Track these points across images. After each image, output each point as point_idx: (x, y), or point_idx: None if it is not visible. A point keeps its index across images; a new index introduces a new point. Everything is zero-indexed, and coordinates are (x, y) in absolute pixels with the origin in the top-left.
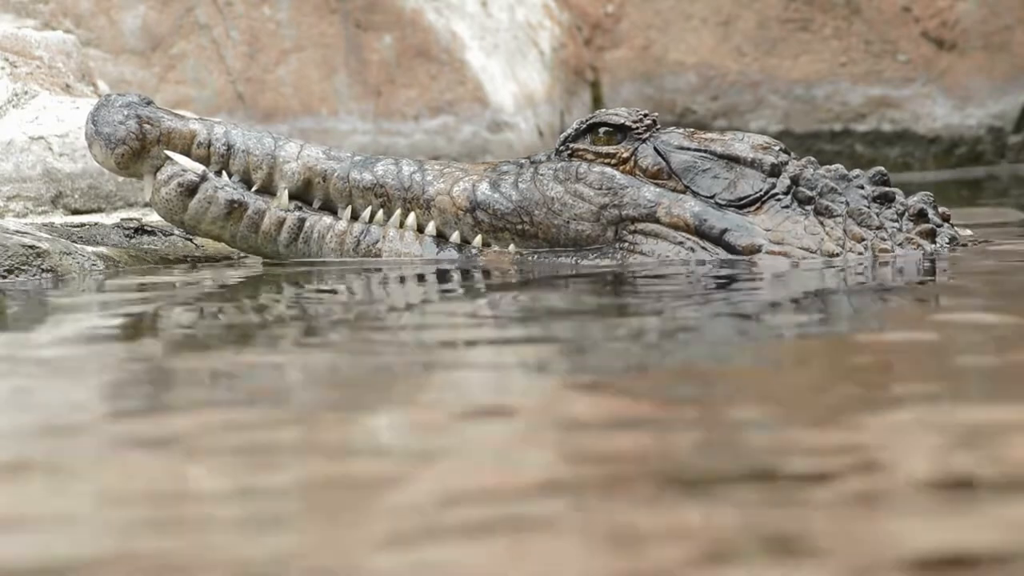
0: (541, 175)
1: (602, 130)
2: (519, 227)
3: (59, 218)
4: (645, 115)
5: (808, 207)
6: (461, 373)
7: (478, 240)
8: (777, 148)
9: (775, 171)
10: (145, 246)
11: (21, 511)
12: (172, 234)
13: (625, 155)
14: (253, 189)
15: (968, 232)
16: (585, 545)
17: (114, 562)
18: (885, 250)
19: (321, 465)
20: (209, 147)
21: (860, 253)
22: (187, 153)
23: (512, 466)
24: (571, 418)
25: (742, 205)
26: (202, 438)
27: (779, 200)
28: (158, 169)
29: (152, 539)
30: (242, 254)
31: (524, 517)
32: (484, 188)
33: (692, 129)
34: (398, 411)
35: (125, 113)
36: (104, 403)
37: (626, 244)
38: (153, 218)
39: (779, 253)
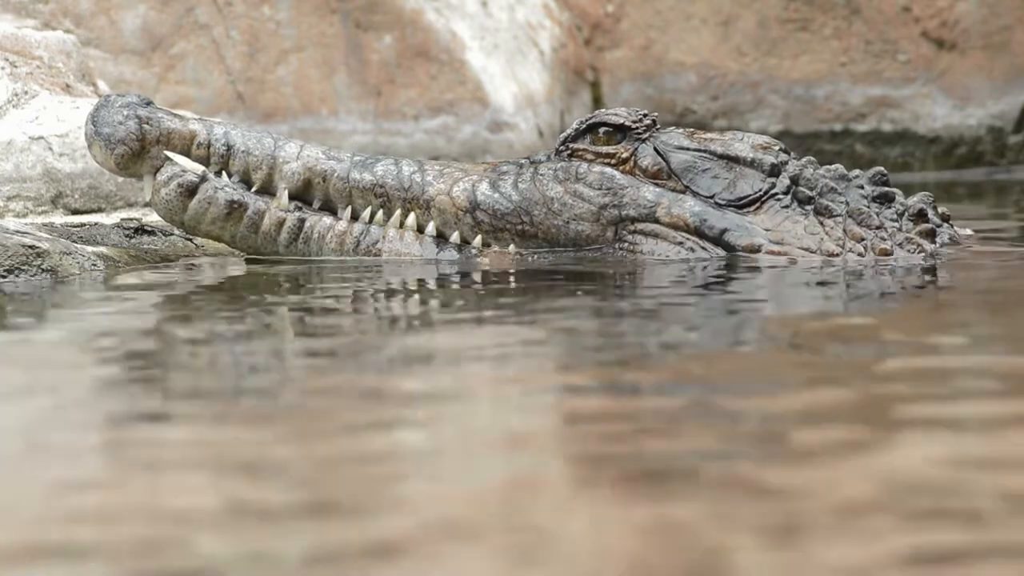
0: (541, 175)
1: (602, 130)
2: (519, 227)
3: (59, 218)
4: (645, 115)
5: (808, 207)
6: (458, 373)
7: (478, 240)
8: (777, 148)
9: (775, 171)
10: (145, 246)
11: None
12: (172, 234)
13: (625, 155)
14: (253, 189)
15: (968, 232)
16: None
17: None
18: (885, 250)
19: (320, 471)
20: (209, 147)
21: (860, 253)
22: (187, 153)
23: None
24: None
25: (742, 205)
26: (198, 441)
27: (779, 200)
28: (158, 170)
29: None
30: (242, 254)
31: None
32: (484, 188)
33: (692, 129)
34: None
35: (125, 113)
36: (102, 403)
37: (626, 244)
38: (153, 218)
39: (779, 253)
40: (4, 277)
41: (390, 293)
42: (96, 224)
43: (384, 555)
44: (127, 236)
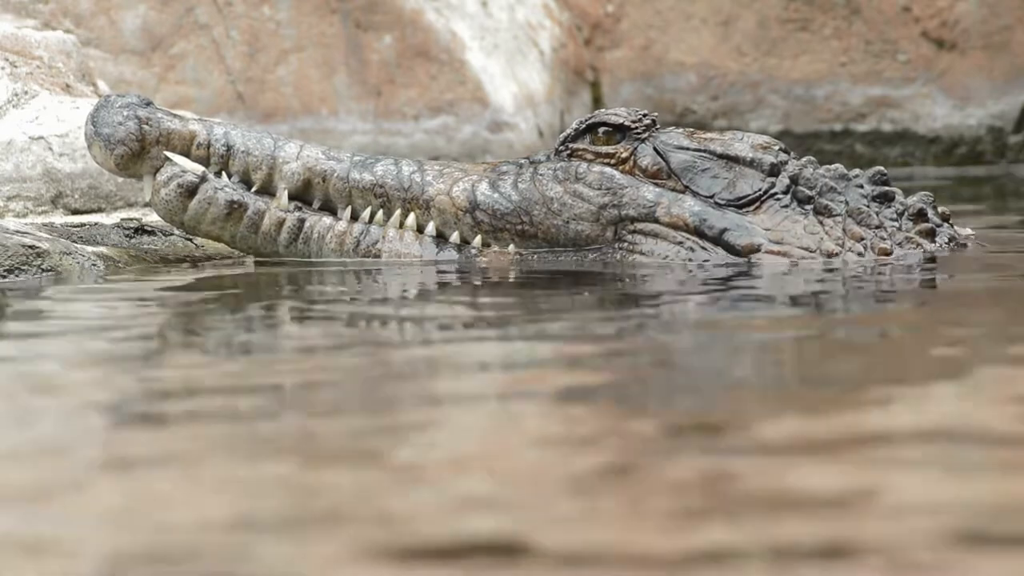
0: (540, 175)
1: (601, 130)
2: (519, 227)
3: (59, 218)
4: (644, 115)
5: (807, 206)
6: (455, 374)
7: (478, 240)
8: (777, 148)
9: (774, 171)
10: (145, 246)
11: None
12: (172, 234)
13: (624, 155)
14: (253, 190)
15: (968, 231)
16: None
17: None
18: (884, 249)
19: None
20: (209, 148)
21: (859, 252)
22: (186, 154)
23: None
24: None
25: (741, 205)
26: (198, 444)
27: (778, 200)
28: (158, 170)
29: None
30: (242, 254)
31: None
32: (483, 188)
33: (692, 129)
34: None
35: (124, 114)
36: (101, 403)
37: (626, 244)
38: (153, 218)
39: (778, 252)
40: (4, 277)
41: (389, 293)
42: (96, 224)
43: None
44: (127, 236)
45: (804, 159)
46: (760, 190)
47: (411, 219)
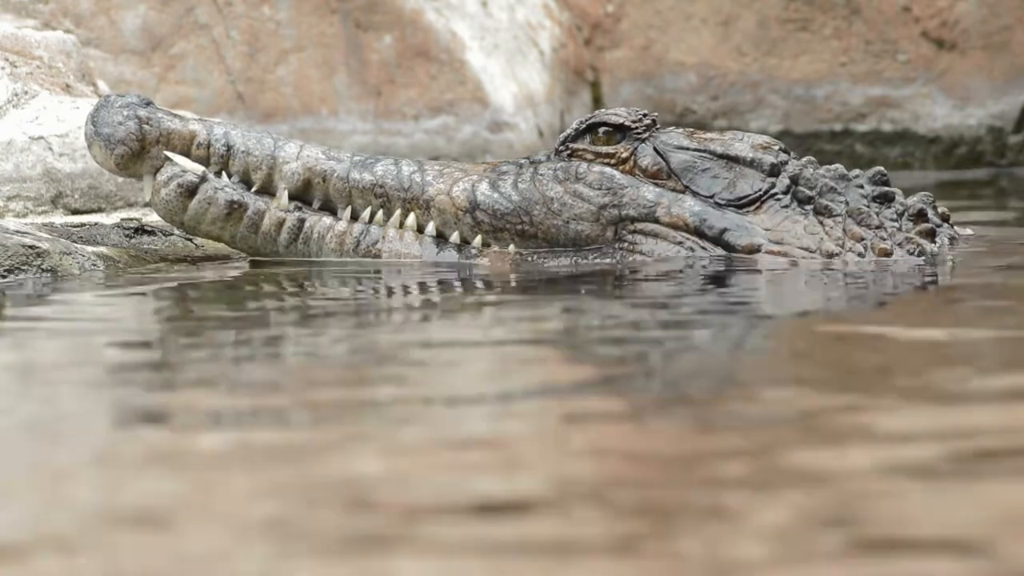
0: (541, 175)
1: (602, 130)
2: (519, 227)
3: (59, 218)
4: (644, 115)
5: (808, 207)
6: (456, 374)
7: (478, 240)
8: (777, 148)
9: (774, 171)
10: (145, 246)
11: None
12: (172, 234)
13: (624, 155)
14: (253, 190)
15: (968, 231)
16: None
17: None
18: (884, 250)
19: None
20: (209, 148)
21: (860, 253)
22: (187, 154)
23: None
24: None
25: (741, 205)
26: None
27: (778, 200)
28: (158, 170)
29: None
30: (242, 254)
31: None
32: (484, 188)
33: (692, 129)
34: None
35: (124, 114)
36: (101, 403)
37: (626, 244)
38: (153, 218)
39: (778, 253)
40: (4, 277)
41: (388, 293)
42: (96, 224)
43: None
44: (127, 236)
45: (804, 159)
46: (760, 190)
47: (411, 219)
